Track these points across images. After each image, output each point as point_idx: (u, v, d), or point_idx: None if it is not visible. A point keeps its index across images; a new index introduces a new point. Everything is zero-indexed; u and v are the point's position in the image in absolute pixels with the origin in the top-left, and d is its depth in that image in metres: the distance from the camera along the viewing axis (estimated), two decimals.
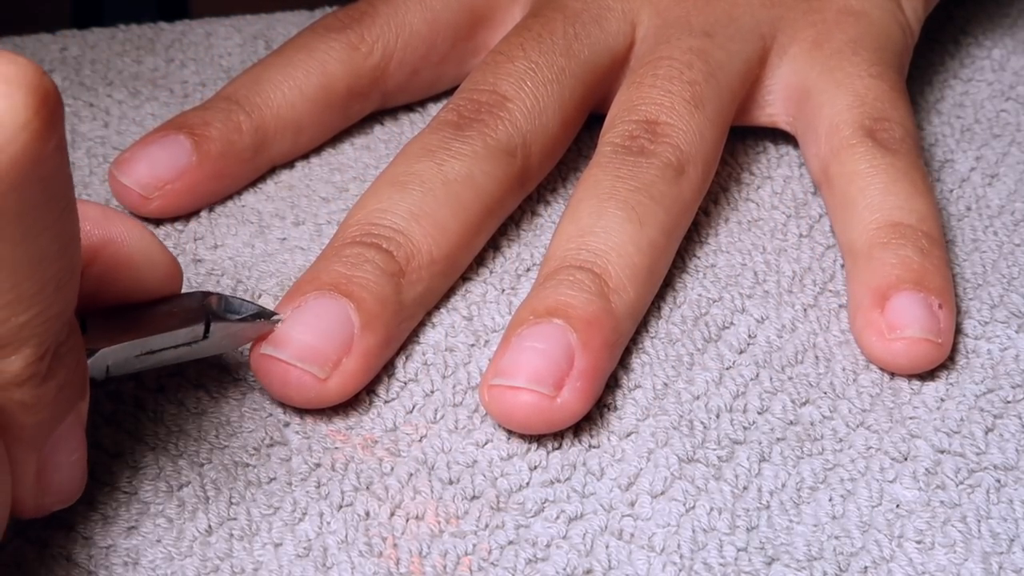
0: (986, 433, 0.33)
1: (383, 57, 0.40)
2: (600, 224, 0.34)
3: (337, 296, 0.32)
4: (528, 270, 0.37)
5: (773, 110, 0.41)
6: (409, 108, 0.43)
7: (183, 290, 0.31)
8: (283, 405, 0.32)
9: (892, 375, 0.34)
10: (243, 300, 0.31)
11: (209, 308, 0.31)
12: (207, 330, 0.30)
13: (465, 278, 0.36)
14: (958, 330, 0.36)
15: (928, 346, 0.34)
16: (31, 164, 0.22)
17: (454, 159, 0.35)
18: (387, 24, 0.40)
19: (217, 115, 0.38)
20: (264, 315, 0.31)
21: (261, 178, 0.40)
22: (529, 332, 0.32)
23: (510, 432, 0.32)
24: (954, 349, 0.35)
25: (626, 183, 0.35)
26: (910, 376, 0.34)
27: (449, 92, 0.42)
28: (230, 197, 0.39)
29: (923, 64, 0.46)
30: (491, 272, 0.37)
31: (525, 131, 0.37)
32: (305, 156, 0.41)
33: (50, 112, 0.22)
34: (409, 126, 0.42)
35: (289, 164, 0.40)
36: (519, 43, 0.39)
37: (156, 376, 0.33)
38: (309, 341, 0.31)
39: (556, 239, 0.35)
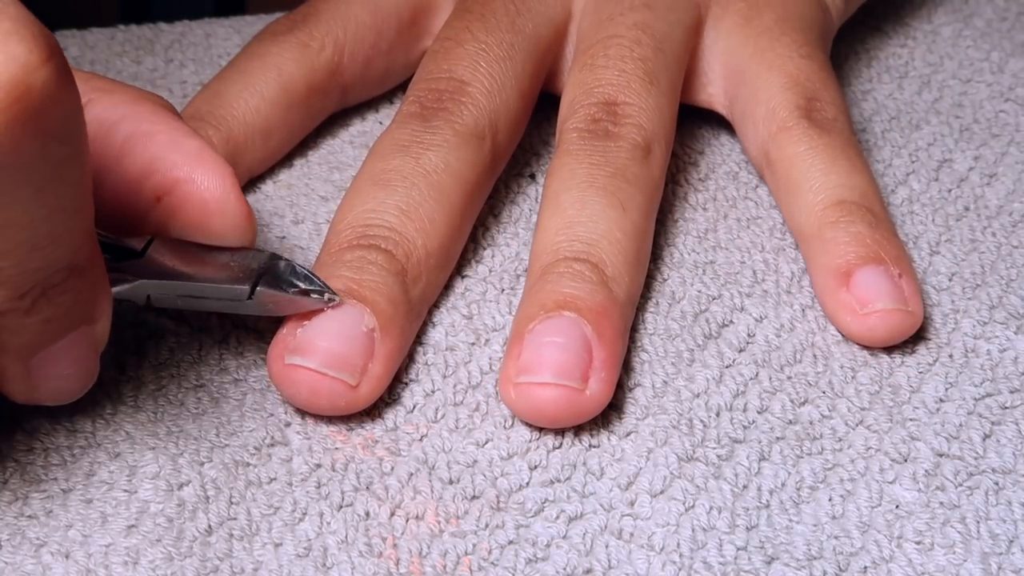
0: (984, 439, 0.33)
1: (335, 50, 0.40)
2: (585, 213, 0.34)
3: (353, 302, 0.32)
4: (528, 269, 0.37)
5: (713, 90, 0.41)
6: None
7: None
8: (283, 405, 0.32)
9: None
10: (311, 273, 0.31)
11: (273, 270, 0.31)
12: (252, 292, 0.31)
13: (465, 277, 0.36)
14: (956, 328, 0.36)
15: (901, 316, 0.34)
16: None
17: (428, 151, 0.35)
18: (332, 19, 0.41)
19: None
20: (325, 291, 0.31)
21: (260, 178, 0.40)
22: (543, 327, 0.32)
23: (510, 432, 0.32)
24: (953, 347, 0.35)
25: (602, 169, 0.35)
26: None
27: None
28: None
29: (922, 64, 0.46)
30: (491, 271, 0.37)
31: (489, 111, 0.37)
32: (304, 155, 0.41)
33: (8, 117, 0.23)
34: None
35: (288, 164, 0.40)
36: (464, 26, 0.39)
37: (156, 376, 0.33)
38: (336, 348, 0.31)
39: (542, 232, 0.35)
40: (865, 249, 0.35)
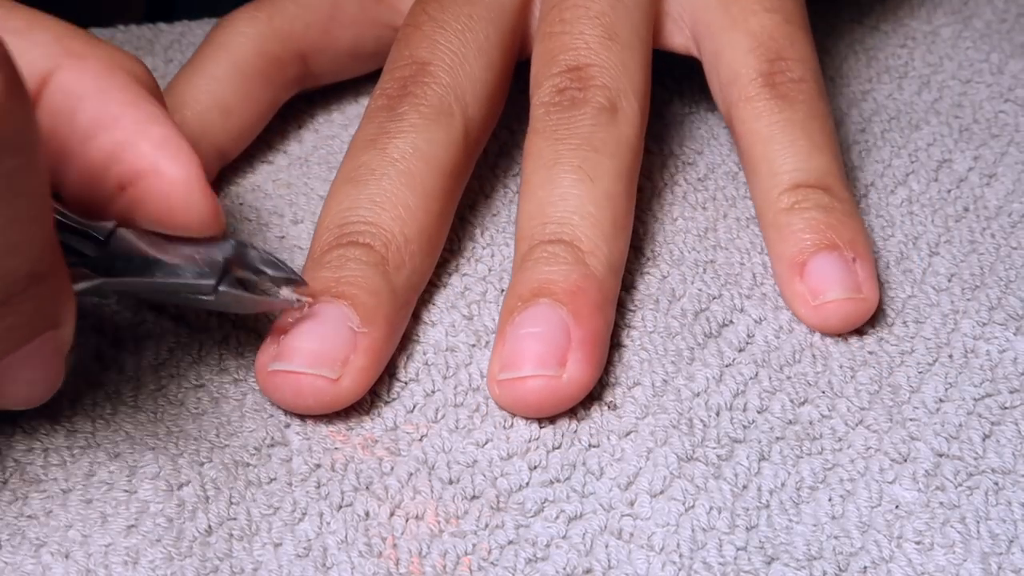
0: (984, 439, 0.33)
1: (284, 19, 0.40)
2: (556, 193, 0.34)
3: (331, 299, 0.32)
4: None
5: (685, 36, 0.40)
6: None
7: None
8: None
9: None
10: (277, 261, 0.31)
11: (239, 259, 0.31)
12: (215, 289, 0.30)
13: (465, 276, 0.36)
14: (956, 328, 0.36)
15: (853, 304, 0.34)
16: None
17: (394, 139, 0.35)
18: None
19: None
20: (292, 282, 0.31)
21: (259, 176, 0.40)
22: (521, 319, 0.32)
23: (510, 432, 0.32)
24: (953, 347, 0.35)
25: (565, 143, 0.35)
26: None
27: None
28: (229, 196, 0.39)
29: (921, 65, 0.46)
30: (491, 271, 0.37)
31: (453, 86, 0.37)
32: (304, 155, 0.41)
33: None
34: None
35: (287, 163, 0.40)
36: (421, 9, 0.39)
37: (156, 376, 0.33)
38: (315, 347, 0.31)
39: (520, 220, 0.35)
40: (818, 235, 0.35)
